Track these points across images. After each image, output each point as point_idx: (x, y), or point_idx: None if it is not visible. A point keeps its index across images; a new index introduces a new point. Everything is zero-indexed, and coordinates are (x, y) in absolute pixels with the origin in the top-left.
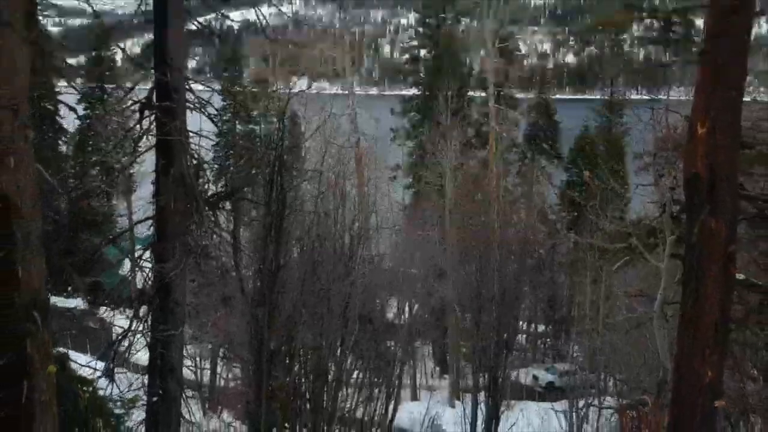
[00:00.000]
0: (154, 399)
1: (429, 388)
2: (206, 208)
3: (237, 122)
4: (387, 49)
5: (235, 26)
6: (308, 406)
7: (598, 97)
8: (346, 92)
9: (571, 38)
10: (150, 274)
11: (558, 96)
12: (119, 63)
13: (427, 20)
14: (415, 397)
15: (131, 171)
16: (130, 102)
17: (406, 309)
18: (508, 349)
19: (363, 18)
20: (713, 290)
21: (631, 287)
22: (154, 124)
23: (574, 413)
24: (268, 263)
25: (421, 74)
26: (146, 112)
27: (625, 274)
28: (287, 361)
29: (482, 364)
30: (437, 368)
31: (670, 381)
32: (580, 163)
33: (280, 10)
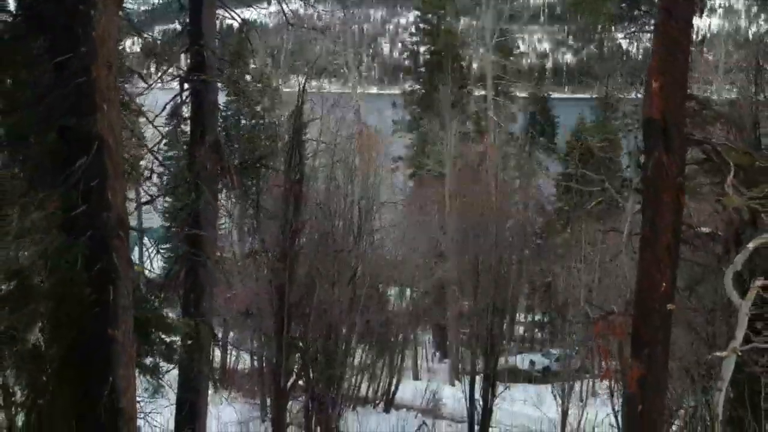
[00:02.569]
0: (189, 342)
1: (429, 370)
2: (236, 173)
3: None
4: (387, 48)
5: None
6: (321, 362)
7: (596, 96)
8: (347, 90)
9: (570, 37)
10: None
11: (557, 95)
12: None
13: (428, 16)
14: (416, 377)
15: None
16: (169, 78)
17: (407, 293)
18: (504, 311)
19: (362, 17)
20: (666, 215)
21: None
22: (191, 96)
23: (566, 389)
24: (288, 223)
25: (421, 69)
26: (186, 85)
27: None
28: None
29: (479, 335)
30: (437, 353)
31: (634, 293)
32: (575, 155)
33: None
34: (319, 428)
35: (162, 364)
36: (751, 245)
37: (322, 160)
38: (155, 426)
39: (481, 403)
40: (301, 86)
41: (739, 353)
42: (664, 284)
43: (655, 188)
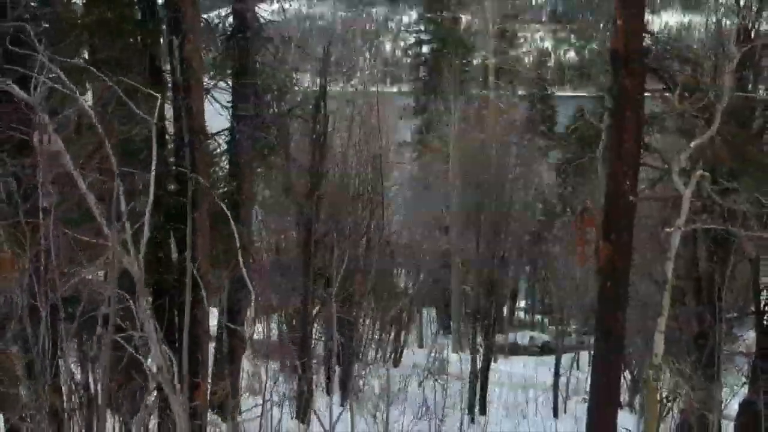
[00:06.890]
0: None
1: (434, 342)
2: (271, 121)
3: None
4: (389, 47)
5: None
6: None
7: (600, 94)
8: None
9: (572, 36)
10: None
11: (559, 93)
12: None
13: (433, 6)
14: (421, 345)
15: None
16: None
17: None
18: (505, 262)
19: (364, 16)
20: (629, 126)
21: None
22: (237, 52)
23: (561, 361)
24: (315, 164)
25: (425, 58)
26: (230, 43)
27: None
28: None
29: (481, 282)
30: (441, 331)
31: (605, 189)
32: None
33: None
34: (338, 367)
35: None
36: (692, 144)
37: (344, 113)
38: None
39: (483, 346)
40: (326, 47)
41: (682, 228)
42: (627, 182)
43: (620, 105)
